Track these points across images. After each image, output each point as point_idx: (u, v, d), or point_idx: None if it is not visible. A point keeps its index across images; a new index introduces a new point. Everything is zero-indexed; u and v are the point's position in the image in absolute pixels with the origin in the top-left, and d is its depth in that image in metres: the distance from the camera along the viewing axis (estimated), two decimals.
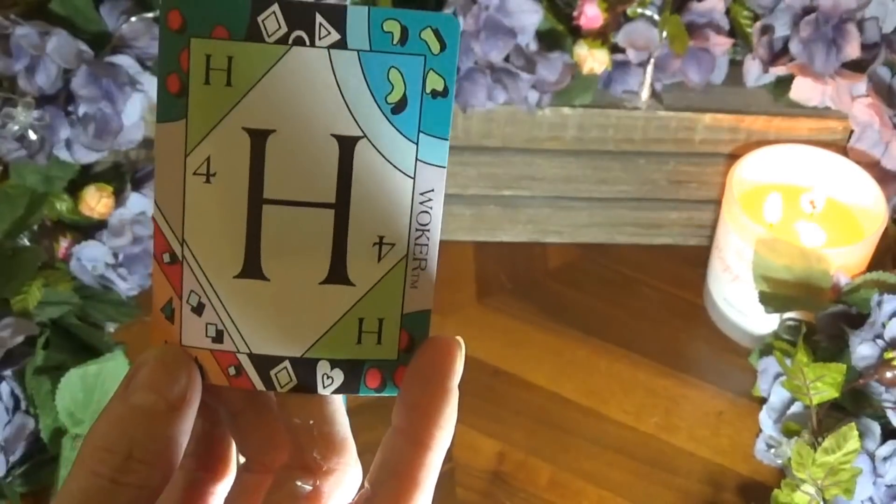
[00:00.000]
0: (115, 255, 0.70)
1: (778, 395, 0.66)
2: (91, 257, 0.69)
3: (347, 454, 0.29)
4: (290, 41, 0.27)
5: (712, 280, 0.76)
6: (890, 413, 0.62)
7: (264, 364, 0.28)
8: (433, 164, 0.28)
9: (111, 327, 0.72)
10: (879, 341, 0.62)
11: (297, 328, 0.28)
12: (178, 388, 0.28)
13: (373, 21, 0.27)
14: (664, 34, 0.71)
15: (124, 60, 0.68)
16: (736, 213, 0.70)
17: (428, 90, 0.27)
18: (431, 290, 0.29)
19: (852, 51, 0.71)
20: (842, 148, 0.76)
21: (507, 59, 0.70)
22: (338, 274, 0.28)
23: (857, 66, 0.72)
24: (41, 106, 0.66)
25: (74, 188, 0.70)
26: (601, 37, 0.71)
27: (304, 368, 0.28)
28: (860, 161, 0.74)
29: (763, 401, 0.67)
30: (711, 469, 0.68)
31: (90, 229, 0.70)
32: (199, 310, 0.28)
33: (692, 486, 0.67)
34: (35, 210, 0.69)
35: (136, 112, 0.69)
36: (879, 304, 0.63)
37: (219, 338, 0.28)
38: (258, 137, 0.27)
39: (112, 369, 0.65)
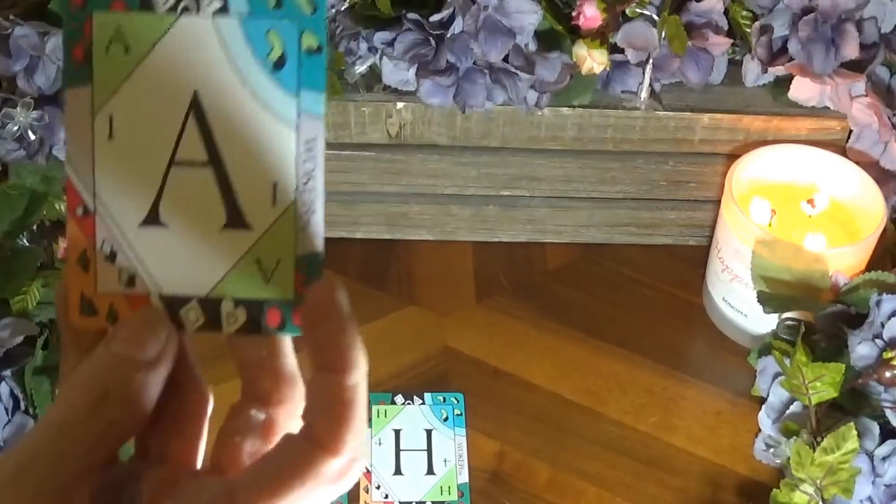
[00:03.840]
0: None
1: (777, 395, 0.66)
2: None
3: (297, 387, 0.32)
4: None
5: (711, 280, 0.76)
6: (889, 413, 0.62)
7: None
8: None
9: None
10: (878, 341, 0.62)
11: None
12: (156, 345, 0.30)
13: None
14: (663, 34, 0.71)
15: None
16: (735, 213, 0.70)
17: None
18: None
19: (851, 51, 0.71)
20: (841, 148, 0.76)
21: (506, 59, 0.70)
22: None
23: (855, 66, 0.72)
24: (40, 106, 0.67)
25: None
26: (600, 37, 0.71)
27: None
28: (859, 161, 0.74)
29: (762, 400, 0.67)
30: (710, 469, 0.68)
31: None
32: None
33: (691, 486, 0.67)
34: (34, 210, 0.69)
35: None
36: (878, 303, 0.63)
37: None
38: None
39: None
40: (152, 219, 0.31)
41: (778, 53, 0.74)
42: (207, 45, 0.30)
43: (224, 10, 0.30)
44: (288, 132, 0.30)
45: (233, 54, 0.30)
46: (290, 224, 0.30)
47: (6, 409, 0.62)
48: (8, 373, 0.62)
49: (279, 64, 0.30)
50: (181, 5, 0.30)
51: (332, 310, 0.29)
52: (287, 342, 0.32)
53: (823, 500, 0.59)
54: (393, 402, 0.70)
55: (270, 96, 0.30)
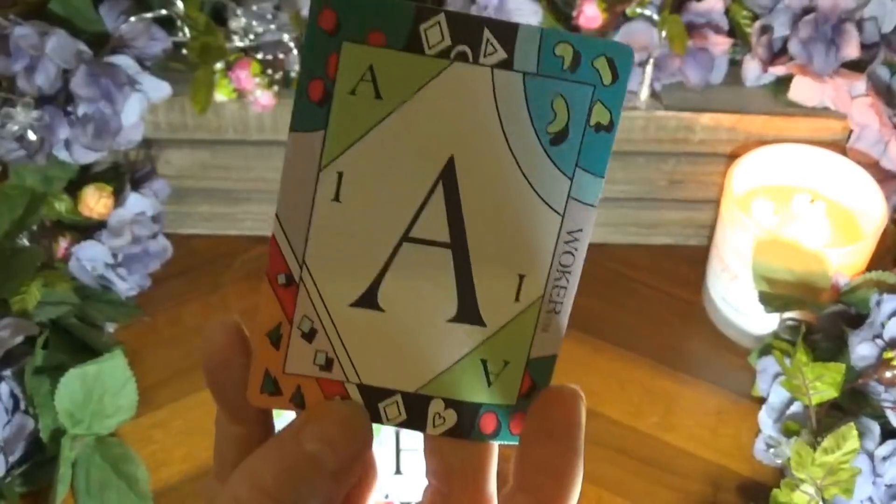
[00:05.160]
0: (115, 256, 0.70)
1: (777, 395, 0.66)
2: (90, 257, 0.69)
3: None
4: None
5: (711, 280, 0.76)
6: (889, 413, 0.62)
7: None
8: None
9: (110, 327, 0.72)
10: (878, 341, 0.62)
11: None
12: (352, 448, 0.26)
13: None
14: (663, 34, 0.71)
15: (123, 60, 0.68)
16: (735, 212, 0.70)
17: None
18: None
19: (851, 51, 0.71)
20: (841, 148, 0.76)
21: None
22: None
23: (856, 66, 0.72)
24: (40, 106, 0.66)
25: (73, 188, 0.70)
26: (600, 36, 0.71)
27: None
28: (859, 161, 0.74)
29: (762, 400, 0.67)
30: (710, 469, 0.68)
31: (89, 229, 0.70)
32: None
33: (691, 486, 0.67)
34: (34, 210, 0.69)
35: (135, 112, 0.69)
36: (879, 303, 0.63)
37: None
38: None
39: (111, 369, 0.65)
40: (368, 300, 0.26)
41: (778, 53, 0.74)
42: (478, 103, 0.25)
43: (507, 64, 0.25)
44: (552, 218, 0.26)
45: (507, 118, 0.25)
46: (530, 323, 0.27)
47: (6, 409, 0.62)
48: (8, 373, 0.62)
49: (559, 137, 0.25)
50: (456, 50, 0.25)
51: (567, 429, 0.25)
52: (496, 453, 0.28)
53: (824, 500, 0.59)
54: None
55: (540, 174, 0.25)
